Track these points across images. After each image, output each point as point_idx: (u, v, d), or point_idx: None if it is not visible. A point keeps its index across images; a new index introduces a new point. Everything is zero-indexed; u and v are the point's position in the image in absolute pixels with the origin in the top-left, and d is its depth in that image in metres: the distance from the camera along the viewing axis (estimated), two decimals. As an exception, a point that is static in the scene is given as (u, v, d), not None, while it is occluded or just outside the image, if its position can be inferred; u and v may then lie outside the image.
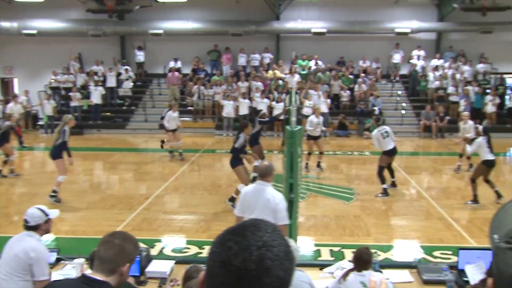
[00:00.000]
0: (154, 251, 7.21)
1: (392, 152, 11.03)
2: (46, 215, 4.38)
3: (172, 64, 23.63)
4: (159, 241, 7.92)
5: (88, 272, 2.64)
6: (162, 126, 15.48)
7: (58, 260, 5.45)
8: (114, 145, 18.01)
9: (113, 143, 18.63)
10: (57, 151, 10.14)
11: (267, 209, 5.51)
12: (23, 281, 4.13)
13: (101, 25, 23.30)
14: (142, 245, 7.32)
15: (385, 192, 10.76)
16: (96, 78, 22.46)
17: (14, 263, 4.13)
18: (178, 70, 23.38)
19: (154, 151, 16.79)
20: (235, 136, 10.03)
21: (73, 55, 23.86)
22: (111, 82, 22.55)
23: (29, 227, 4.31)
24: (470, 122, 12.94)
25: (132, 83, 23.15)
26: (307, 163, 13.17)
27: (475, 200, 10.09)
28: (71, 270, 5.10)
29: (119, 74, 22.87)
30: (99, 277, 2.53)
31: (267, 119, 13.54)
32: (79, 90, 22.38)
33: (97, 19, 23.00)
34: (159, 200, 10.56)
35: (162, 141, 15.24)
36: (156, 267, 5.36)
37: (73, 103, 21.50)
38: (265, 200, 5.53)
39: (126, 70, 22.78)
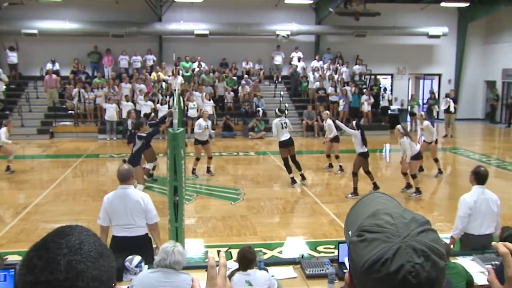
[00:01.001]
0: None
1: (287, 143, 11.63)
2: None
3: (49, 66, 22.41)
4: (38, 252, 7.47)
5: None
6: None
7: None
8: (-14, 153, 16.80)
9: (-15, 150, 17.38)
10: None
11: (137, 211, 5.60)
12: None
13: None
14: (18, 258, 6.89)
15: (293, 180, 11.61)
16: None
17: None
18: (56, 72, 22.26)
19: (33, 158, 15.89)
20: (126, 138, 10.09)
21: None
22: (-20, 85, 20.97)
23: None
24: (329, 121, 13.62)
25: (5, 86, 21.69)
26: (194, 169, 12.87)
27: (355, 192, 10.68)
28: None
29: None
30: None
31: (157, 120, 13.40)
32: None
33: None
34: (39, 209, 9.99)
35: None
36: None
37: None
38: (134, 203, 5.61)
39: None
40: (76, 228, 1.20)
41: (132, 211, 5.58)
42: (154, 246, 5.85)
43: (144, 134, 10.42)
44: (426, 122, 12.79)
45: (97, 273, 1.12)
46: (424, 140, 12.99)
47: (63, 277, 1.07)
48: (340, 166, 13.42)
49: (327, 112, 14.54)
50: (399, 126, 10.86)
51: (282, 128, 11.65)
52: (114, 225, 5.62)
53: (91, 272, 1.11)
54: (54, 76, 21.64)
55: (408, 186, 11.09)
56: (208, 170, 13.03)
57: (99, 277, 1.12)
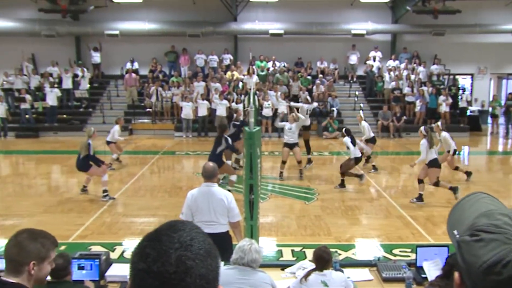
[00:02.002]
0: (114, 255, 7.10)
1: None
2: None
3: (129, 65, 23.32)
4: (119, 244, 7.81)
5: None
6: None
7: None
8: (71, 148, 17.54)
9: (70, 145, 18.16)
10: (83, 164, 10.48)
11: (221, 208, 5.66)
12: None
13: (54, 25, 22.75)
14: (101, 249, 7.21)
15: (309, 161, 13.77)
16: (51, 79, 21.90)
17: None
18: (135, 71, 23.09)
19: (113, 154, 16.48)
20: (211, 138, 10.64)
21: (26, 56, 23.21)
22: (67, 83, 22.06)
23: None
24: (364, 123, 13.74)
25: (89, 85, 22.70)
26: (281, 172, 12.71)
27: (342, 184, 11.54)
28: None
29: (75, 76, 22.38)
30: (11, 278, 2.50)
31: (240, 122, 13.54)
32: (34, 92, 21.91)
33: (50, 19, 22.47)
34: (119, 203, 10.40)
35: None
36: (116, 271, 5.27)
37: (22, 106, 20.93)
38: (218, 201, 5.66)
39: (82, 70, 22.30)
40: (188, 224, 1.24)
41: (215, 208, 5.65)
42: (234, 243, 5.94)
43: (228, 137, 10.82)
44: (444, 134, 11.93)
45: (204, 271, 1.15)
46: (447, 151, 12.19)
47: (173, 270, 1.11)
48: (374, 165, 13.64)
49: (361, 114, 14.61)
50: (422, 128, 10.33)
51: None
52: (197, 222, 5.70)
53: (199, 270, 1.14)
54: (133, 75, 22.46)
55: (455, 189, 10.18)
56: (301, 173, 12.71)
57: (206, 276, 1.16)
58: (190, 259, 1.14)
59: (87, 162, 10.45)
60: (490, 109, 22.34)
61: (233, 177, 10.88)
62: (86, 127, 10.83)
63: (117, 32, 22.99)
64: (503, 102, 23.40)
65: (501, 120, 22.40)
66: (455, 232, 1.19)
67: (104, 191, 10.54)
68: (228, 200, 5.69)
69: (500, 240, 1.04)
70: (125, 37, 23.28)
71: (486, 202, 1.23)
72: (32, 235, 2.65)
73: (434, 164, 10.08)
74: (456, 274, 1.14)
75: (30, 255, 2.55)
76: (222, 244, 5.63)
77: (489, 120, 22.61)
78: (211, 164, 5.93)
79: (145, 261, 1.13)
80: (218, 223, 5.68)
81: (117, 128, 13.94)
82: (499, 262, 1.02)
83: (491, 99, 23.24)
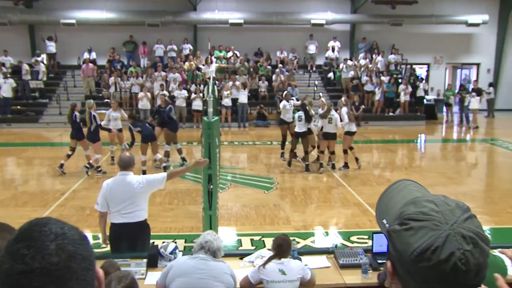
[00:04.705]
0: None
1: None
2: None
3: (86, 55, 22.83)
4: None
5: None
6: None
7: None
8: (26, 140, 17.19)
9: (25, 137, 17.78)
10: (94, 135, 11.77)
11: (139, 193, 5.55)
12: None
13: (6, 13, 22.07)
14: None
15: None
16: (4, 70, 21.27)
17: None
18: (92, 61, 22.63)
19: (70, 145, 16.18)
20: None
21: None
22: (22, 74, 21.45)
23: None
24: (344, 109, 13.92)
25: (44, 70, 22.11)
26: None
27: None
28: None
29: (30, 66, 21.78)
30: None
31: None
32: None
33: (1, 6, 21.78)
34: (76, 195, 10.20)
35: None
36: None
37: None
38: (134, 188, 5.53)
39: (36, 61, 21.73)
40: (50, 218, 1.20)
41: (132, 196, 5.52)
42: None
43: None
44: (343, 109, 13.29)
45: (86, 253, 1.14)
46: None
47: (56, 260, 1.08)
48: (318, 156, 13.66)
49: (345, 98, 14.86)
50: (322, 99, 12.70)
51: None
52: (113, 212, 5.57)
53: (81, 253, 1.12)
54: (91, 65, 22.01)
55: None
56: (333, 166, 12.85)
57: (88, 257, 1.14)
58: (69, 245, 1.11)
59: (97, 132, 11.66)
60: (445, 98, 22.84)
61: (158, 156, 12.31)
62: (87, 101, 12.66)
63: (73, 21, 22.48)
64: (456, 91, 23.97)
65: (456, 109, 22.93)
66: (385, 221, 1.21)
67: (98, 167, 11.97)
68: (143, 181, 5.58)
69: (428, 227, 1.07)
70: (82, 26, 22.78)
71: (412, 189, 1.26)
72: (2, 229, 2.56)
73: (324, 135, 12.40)
74: (388, 263, 1.16)
75: None
76: (141, 233, 5.58)
77: (444, 108, 23.12)
78: (127, 154, 5.82)
79: (23, 261, 1.07)
80: (135, 211, 5.55)
81: (110, 111, 13.75)
82: (428, 249, 1.05)
83: (446, 88, 23.76)
